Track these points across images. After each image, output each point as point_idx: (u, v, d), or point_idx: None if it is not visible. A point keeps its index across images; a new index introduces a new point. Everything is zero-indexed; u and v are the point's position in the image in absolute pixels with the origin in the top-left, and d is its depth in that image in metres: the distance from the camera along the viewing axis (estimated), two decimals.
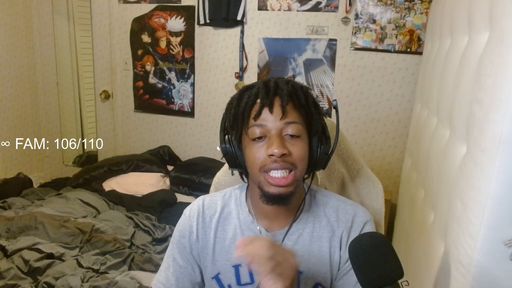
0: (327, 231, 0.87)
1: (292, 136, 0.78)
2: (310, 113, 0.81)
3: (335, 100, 0.89)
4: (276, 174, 0.77)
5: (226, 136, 0.85)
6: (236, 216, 0.90)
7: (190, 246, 0.91)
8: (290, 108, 0.78)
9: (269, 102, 0.77)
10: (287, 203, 0.83)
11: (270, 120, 0.77)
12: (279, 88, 0.79)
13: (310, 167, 0.84)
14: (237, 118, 0.81)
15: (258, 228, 0.88)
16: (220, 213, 0.91)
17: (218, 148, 0.86)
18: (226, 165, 1.14)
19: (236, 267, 0.88)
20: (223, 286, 0.89)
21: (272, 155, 0.76)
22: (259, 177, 0.79)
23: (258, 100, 0.79)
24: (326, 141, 0.84)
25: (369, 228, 0.88)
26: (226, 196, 0.93)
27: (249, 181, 0.89)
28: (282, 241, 0.87)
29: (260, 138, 0.78)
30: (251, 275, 0.88)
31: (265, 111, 0.78)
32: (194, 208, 0.92)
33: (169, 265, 0.92)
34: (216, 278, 0.90)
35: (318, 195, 0.92)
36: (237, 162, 0.85)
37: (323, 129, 0.84)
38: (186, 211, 0.93)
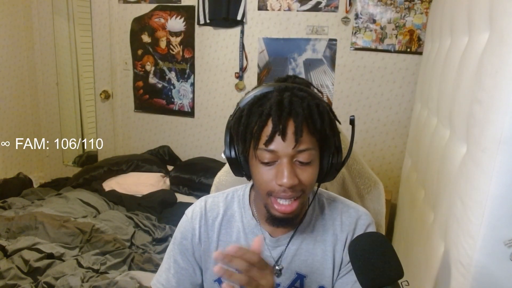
0: (331, 235, 0.87)
1: (302, 162, 0.74)
2: (325, 135, 0.75)
3: (353, 115, 0.82)
4: (284, 202, 0.76)
5: (232, 146, 0.81)
6: (240, 219, 0.89)
7: (192, 248, 0.90)
8: (304, 134, 0.72)
9: (281, 128, 0.71)
10: (292, 224, 0.84)
11: (281, 147, 0.72)
12: (293, 111, 0.72)
13: (318, 179, 0.81)
14: (245, 137, 0.75)
15: (262, 232, 0.87)
16: (223, 215, 0.90)
17: (223, 155, 0.83)
18: (227, 165, 1.14)
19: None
20: None
21: (281, 185, 0.73)
22: (266, 199, 0.78)
23: (270, 122, 0.72)
24: (338, 156, 0.80)
25: (372, 230, 0.88)
26: (228, 198, 0.92)
27: (255, 191, 0.87)
28: (287, 245, 0.86)
29: (268, 163, 0.74)
30: None
31: (277, 137, 0.72)
32: (197, 210, 0.91)
33: (170, 266, 0.92)
34: (219, 281, 0.89)
35: (323, 199, 0.91)
36: (243, 172, 0.83)
37: (336, 147, 0.79)
38: (188, 212, 0.92)
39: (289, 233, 0.86)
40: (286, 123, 0.72)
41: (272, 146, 0.72)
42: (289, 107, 0.72)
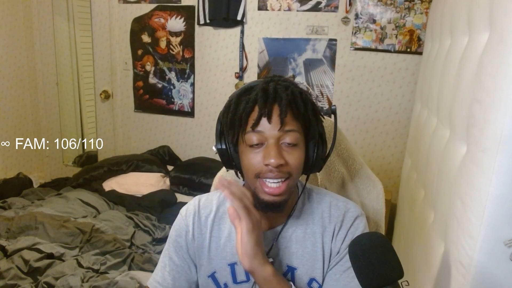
0: (320, 227, 0.88)
1: (289, 144, 0.78)
2: (309, 120, 0.80)
3: (334, 105, 0.88)
4: (271, 183, 0.78)
5: (222, 138, 0.85)
6: None
7: (186, 245, 0.92)
8: (289, 117, 0.77)
9: (267, 112, 0.76)
10: (281, 211, 0.84)
11: (268, 128, 0.77)
12: (278, 96, 0.77)
13: (305, 170, 0.84)
14: (234, 124, 0.80)
15: None
16: (216, 212, 0.92)
17: (214, 148, 0.86)
18: None
19: (232, 266, 0.89)
20: (219, 285, 0.90)
21: (268, 164, 0.76)
22: (254, 183, 0.80)
23: (256, 107, 0.78)
24: (323, 146, 0.84)
25: (360, 222, 0.89)
26: (221, 196, 0.94)
27: (245, 181, 0.89)
28: (277, 238, 0.87)
29: (257, 144, 0.78)
30: (246, 273, 0.89)
31: (263, 120, 0.77)
32: (190, 208, 0.93)
33: (166, 264, 0.93)
34: (212, 276, 0.90)
35: (313, 193, 0.93)
36: (233, 163, 0.86)
37: (320, 135, 0.84)
38: (183, 210, 0.94)
39: (279, 226, 0.88)
40: (271, 106, 0.77)
41: (259, 128, 0.77)
42: (274, 94, 0.78)
